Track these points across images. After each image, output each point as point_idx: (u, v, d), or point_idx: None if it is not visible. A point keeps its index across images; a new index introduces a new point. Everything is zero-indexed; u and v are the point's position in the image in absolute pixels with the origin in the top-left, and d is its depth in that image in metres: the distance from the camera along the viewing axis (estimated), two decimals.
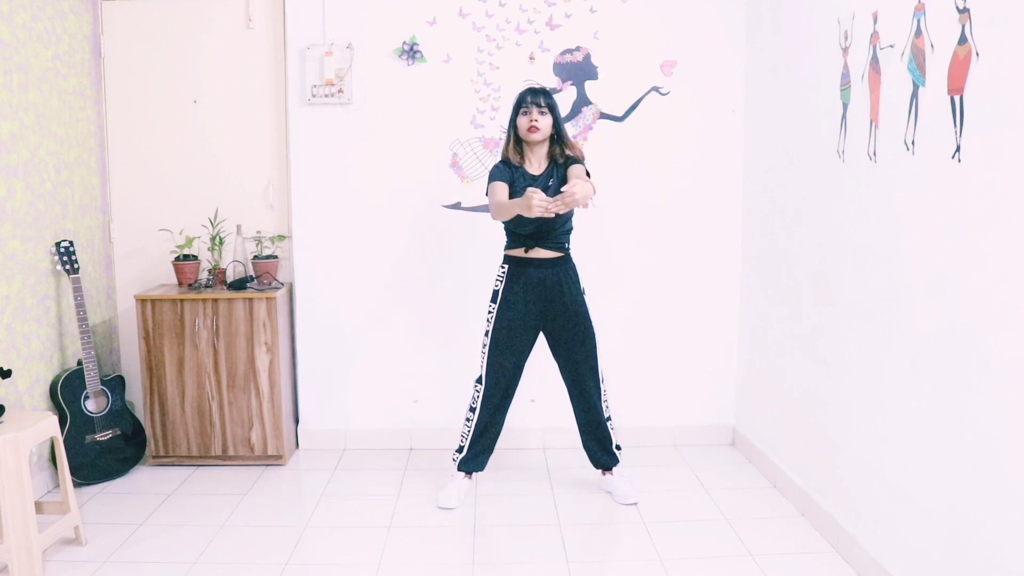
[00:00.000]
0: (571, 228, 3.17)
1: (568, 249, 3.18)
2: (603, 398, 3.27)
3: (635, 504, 3.21)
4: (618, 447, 3.34)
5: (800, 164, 3.15)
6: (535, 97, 3.08)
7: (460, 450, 3.29)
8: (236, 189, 3.90)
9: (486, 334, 3.20)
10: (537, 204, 2.70)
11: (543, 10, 3.74)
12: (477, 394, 3.23)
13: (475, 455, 3.27)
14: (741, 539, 2.91)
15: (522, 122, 3.09)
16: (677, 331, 3.92)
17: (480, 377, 3.23)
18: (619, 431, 3.92)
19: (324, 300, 3.87)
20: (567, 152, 3.12)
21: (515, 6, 3.73)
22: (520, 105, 3.10)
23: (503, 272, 3.17)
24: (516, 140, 3.14)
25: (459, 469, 3.29)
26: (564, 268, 3.15)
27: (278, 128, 3.88)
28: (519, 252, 3.12)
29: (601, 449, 3.31)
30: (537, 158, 3.14)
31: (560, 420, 3.91)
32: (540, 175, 3.12)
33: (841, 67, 2.78)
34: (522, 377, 3.27)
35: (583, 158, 3.16)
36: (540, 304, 3.14)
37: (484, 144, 3.79)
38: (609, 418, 3.31)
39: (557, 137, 3.13)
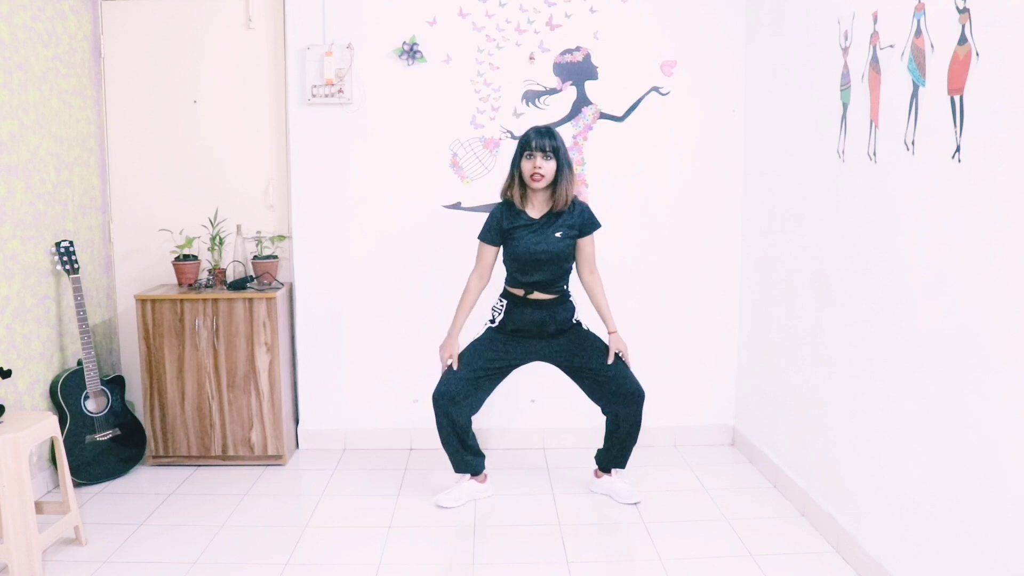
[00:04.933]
0: (569, 270, 3.14)
1: (566, 290, 3.16)
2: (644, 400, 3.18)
3: (637, 503, 3.21)
4: None
5: (800, 164, 3.15)
6: (540, 141, 2.96)
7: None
8: (236, 189, 3.90)
9: (463, 351, 3.16)
10: (443, 361, 3.16)
11: (543, 10, 3.74)
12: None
13: (452, 458, 3.24)
14: (741, 539, 2.91)
15: (526, 167, 2.99)
16: (677, 331, 3.92)
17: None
18: None
19: (324, 300, 3.87)
20: (561, 200, 3.01)
21: (515, 6, 3.73)
22: (524, 148, 3.00)
23: (501, 305, 3.15)
24: (520, 183, 3.04)
25: (456, 471, 3.27)
26: (561, 306, 3.13)
27: (278, 128, 3.88)
28: (519, 292, 3.11)
29: (624, 450, 3.25)
30: (538, 200, 3.08)
31: (560, 420, 3.91)
32: (540, 219, 3.06)
33: (841, 67, 2.78)
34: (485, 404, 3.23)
35: (585, 203, 3.10)
36: (529, 339, 3.13)
37: (484, 144, 3.79)
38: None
39: (559, 179, 3.00)
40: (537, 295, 3.09)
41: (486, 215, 3.19)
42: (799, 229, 3.15)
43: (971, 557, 2.05)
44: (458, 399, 3.11)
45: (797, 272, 3.18)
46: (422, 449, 3.90)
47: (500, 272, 3.21)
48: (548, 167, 2.98)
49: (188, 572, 2.69)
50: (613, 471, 3.32)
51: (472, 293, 3.16)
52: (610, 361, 3.12)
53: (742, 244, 3.85)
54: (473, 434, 3.26)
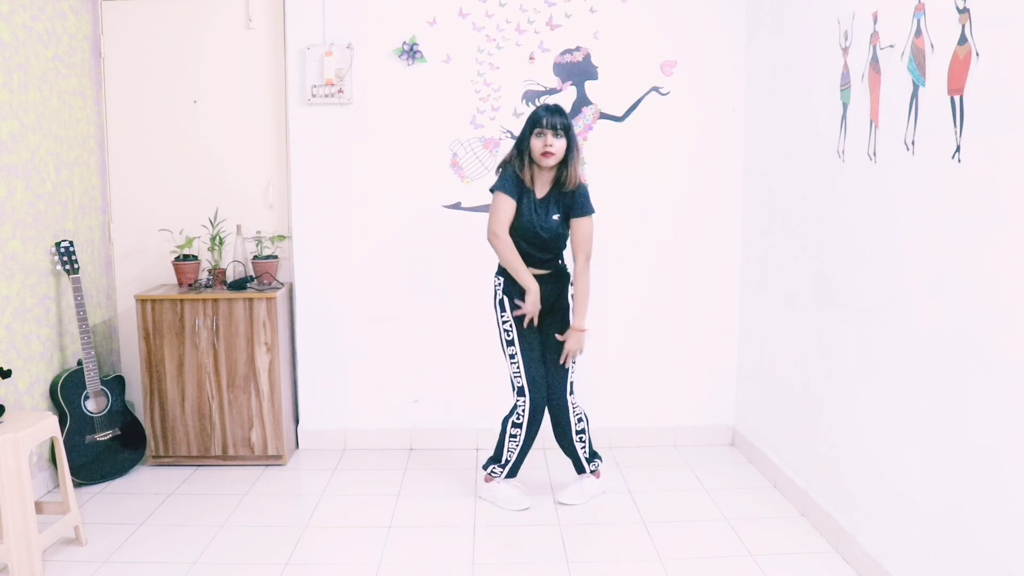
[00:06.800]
0: (564, 247, 3.16)
1: (560, 265, 3.16)
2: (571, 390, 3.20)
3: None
4: (593, 456, 3.32)
5: (800, 164, 3.15)
6: (551, 118, 2.94)
7: (503, 464, 3.20)
8: (236, 189, 3.90)
9: (510, 343, 3.11)
10: (530, 314, 3.05)
11: (543, 10, 3.74)
12: (521, 407, 3.09)
13: (519, 462, 3.22)
14: (741, 539, 2.91)
15: (536, 144, 2.96)
16: (677, 331, 3.91)
17: (521, 388, 3.09)
18: (614, 432, 3.93)
19: (324, 300, 3.87)
20: (572, 180, 3.00)
21: (515, 6, 3.73)
22: (534, 124, 2.97)
23: (500, 282, 3.14)
24: (529, 161, 3.01)
25: (506, 477, 3.24)
26: (556, 281, 3.14)
27: (278, 128, 3.88)
28: None
29: (571, 452, 3.26)
30: (542, 180, 3.06)
31: None
32: (545, 199, 3.06)
33: (841, 67, 2.78)
34: None
35: (586, 185, 3.08)
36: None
37: (484, 144, 3.79)
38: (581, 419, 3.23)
39: (567, 160, 2.99)
40: (532, 270, 3.09)
41: (486, 215, 3.18)
42: (799, 229, 3.15)
43: (971, 557, 2.05)
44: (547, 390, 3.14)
45: (797, 272, 3.18)
46: (422, 449, 3.90)
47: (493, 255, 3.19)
48: (559, 145, 2.96)
49: (188, 572, 2.69)
50: (583, 474, 3.30)
51: (510, 242, 3.03)
52: (561, 360, 3.12)
53: (742, 244, 3.85)
54: None
